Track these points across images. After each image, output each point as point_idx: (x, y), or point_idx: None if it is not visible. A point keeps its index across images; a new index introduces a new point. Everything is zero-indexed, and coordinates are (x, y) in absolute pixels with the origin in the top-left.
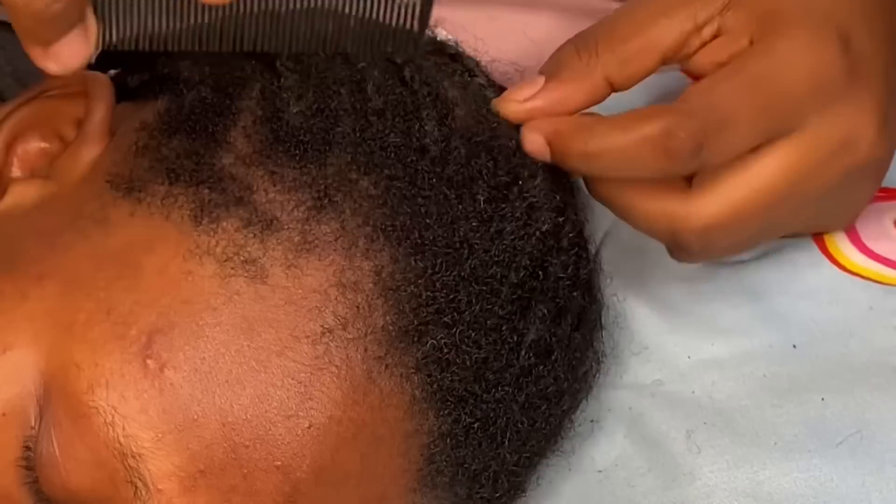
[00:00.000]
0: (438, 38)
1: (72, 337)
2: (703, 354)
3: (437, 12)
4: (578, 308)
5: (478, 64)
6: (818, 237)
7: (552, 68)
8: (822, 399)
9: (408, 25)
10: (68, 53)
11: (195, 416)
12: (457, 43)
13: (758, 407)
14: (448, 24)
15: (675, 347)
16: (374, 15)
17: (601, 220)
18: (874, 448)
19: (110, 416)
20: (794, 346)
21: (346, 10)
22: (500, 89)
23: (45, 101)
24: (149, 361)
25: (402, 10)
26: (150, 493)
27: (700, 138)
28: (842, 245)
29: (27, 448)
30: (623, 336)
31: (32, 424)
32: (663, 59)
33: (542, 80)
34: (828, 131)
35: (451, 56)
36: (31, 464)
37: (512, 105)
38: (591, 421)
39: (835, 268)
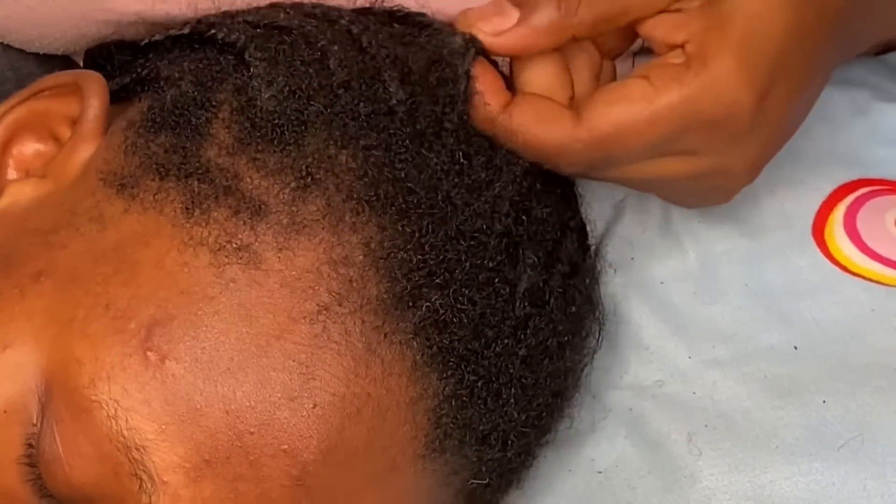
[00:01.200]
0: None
1: (71, 333)
2: (704, 355)
3: None
4: (570, 255)
5: (424, 16)
6: (820, 238)
7: (527, 3)
8: (824, 401)
9: None
10: None
11: (198, 406)
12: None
13: (759, 409)
14: None
15: (676, 348)
16: None
17: (602, 212)
18: (876, 452)
19: (113, 410)
20: (796, 348)
21: None
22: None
23: (38, 101)
24: (149, 353)
25: None
26: (155, 486)
27: (594, 164)
28: (843, 245)
29: (30, 446)
30: (624, 336)
31: (34, 422)
32: (629, 25)
33: (514, 15)
34: (711, 161)
35: (401, 18)
36: (33, 461)
37: (478, 34)
38: (593, 425)
39: (836, 269)
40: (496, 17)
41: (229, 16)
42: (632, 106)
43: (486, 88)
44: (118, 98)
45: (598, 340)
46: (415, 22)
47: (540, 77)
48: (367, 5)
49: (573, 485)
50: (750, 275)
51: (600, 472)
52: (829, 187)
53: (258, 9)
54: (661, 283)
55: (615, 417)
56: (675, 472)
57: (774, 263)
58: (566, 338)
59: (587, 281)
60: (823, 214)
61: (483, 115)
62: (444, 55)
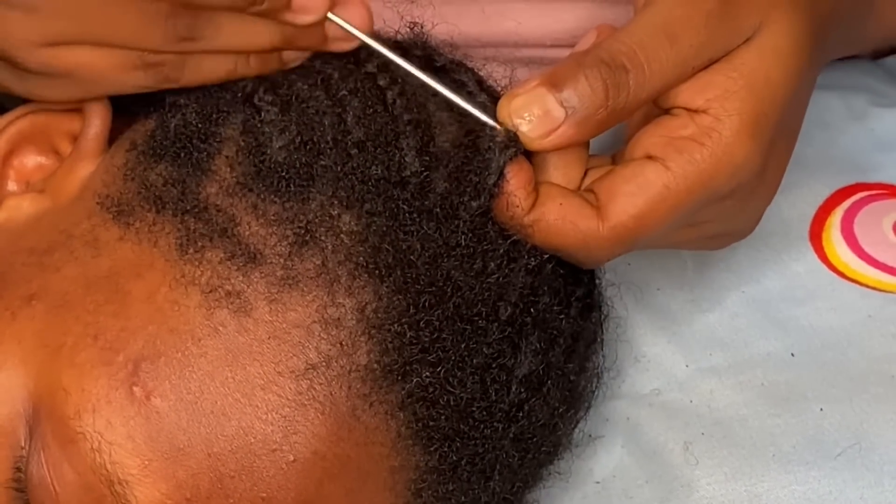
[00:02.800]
0: (427, 49)
1: (59, 360)
2: (701, 363)
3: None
4: (572, 330)
5: (468, 69)
6: (817, 243)
7: (573, 100)
8: (821, 409)
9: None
10: None
11: (181, 445)
12: (451, 43)
13: (756, 417)
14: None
15: (673, 356)
16: None
17: None
18: (873, 460)
19: (97, 442)
20: (793, 355)
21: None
22: (492, 95)
23: (41, 115)
24: (135, 389)
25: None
26: None
27: (615, 257)
28: (840, 251)
29: (17, 469)
30: (621, 345)
31: (22, 445)
32: None
33: (560, 115)
34: (717, 227)
35: (438, 69)
36: (21, 485)
37: (523, 137)
38: (589, 435)
39: (833, 275)
40: (542, 117)
41: None
42: (652, 195)
43: (518, 191)
44: (127, 110)
45: (592, 394)
46: (451, 79)
47: (560, 167)
48: (409, 38)
49: (571, 495)
50: (747, 281)
51: (598, 483)
52: (826, 191)
53: None
54: (658, 289)
55: (612, 427)
56: (672, 482)
57: (772, 269)
58: (561, 410)
59: (587, 346)
60: (821, 219)
61: (508, 213)
62: (477, 141)
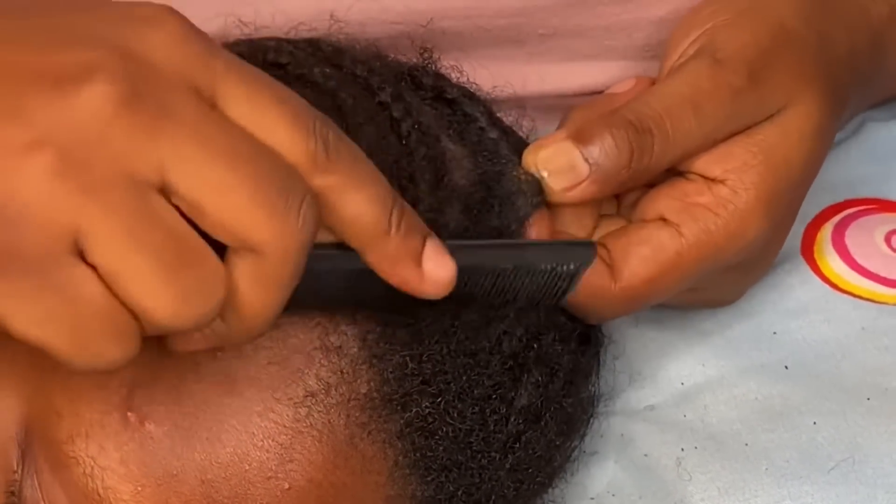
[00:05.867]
0: (437, 79)
1: (53, 384)
2: (695, 377)
3: None
4: (571, 364)
5: (479, 101)
6: (809, 256)
7: (599, 157)
8: (815, 423)
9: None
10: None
11: (175, 472)
12: (459, 73)
13: (750, 431)
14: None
15: (667, 371)
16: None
17: None
18: (866, 474)
19: (89, 468)
20: (786, 368)
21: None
22: (502, 130)
23: None
24: (129, 414)
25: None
26: None
27: (621, 315)
28: (833, 263)
29: (11, 493)
30: (614, 359)
31: (15, 469)
32: None
33: (585, 170)
34: (711, 294)
35: (449, 101)
36: None
37: (547, 188)
38: (583, 451)
39: (827, 287)
40: (568, 170)
41: (261, 49)
42: (664, 261)
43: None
44: None
45: (587, 423)
46: (462, 111)
47: (576, 219)
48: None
49: None
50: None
51: (592, 499)
52: (813, 210)
53: (294, 48)
54: (652, 304)
55: (606, 443)
56: (665, 498)
57: (766, 282)
58: (557, 443)
59: (585, 376)
60: (811, 234)
61: None
62: (497, 184)
